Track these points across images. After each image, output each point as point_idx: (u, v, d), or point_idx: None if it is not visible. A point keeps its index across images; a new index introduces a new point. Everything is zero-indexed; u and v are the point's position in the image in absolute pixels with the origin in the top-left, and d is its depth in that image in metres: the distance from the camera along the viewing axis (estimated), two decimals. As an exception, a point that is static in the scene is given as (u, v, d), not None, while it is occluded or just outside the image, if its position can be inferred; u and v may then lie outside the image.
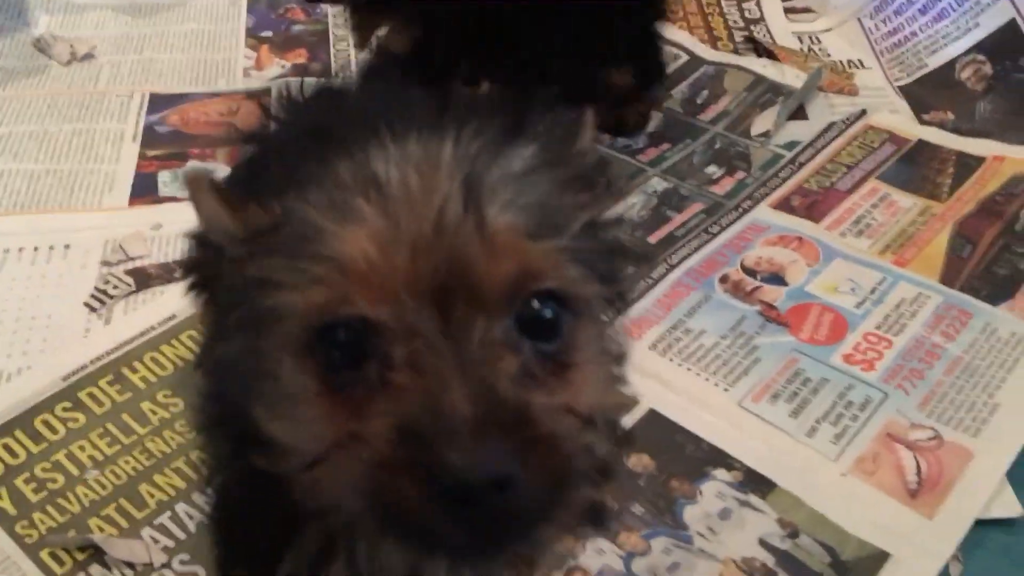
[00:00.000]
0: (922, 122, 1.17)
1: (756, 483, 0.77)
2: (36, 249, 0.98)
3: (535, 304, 0.38)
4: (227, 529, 0.50)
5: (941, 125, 1.15)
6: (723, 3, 1.41)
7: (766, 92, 1.21)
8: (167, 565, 0.73)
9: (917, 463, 0.78)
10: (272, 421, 0.39)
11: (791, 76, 1.23)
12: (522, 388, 0.36)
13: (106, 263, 0.96)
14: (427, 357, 0.36)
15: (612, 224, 0.44)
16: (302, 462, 0.38)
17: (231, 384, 0.42)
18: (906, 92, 1.22)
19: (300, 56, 1.29)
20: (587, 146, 0.45)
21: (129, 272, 0.95)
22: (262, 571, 0.44)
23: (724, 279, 0.95)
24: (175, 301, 0.92)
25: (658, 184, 1.08)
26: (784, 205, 1.04)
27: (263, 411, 0.39)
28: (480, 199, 0.37)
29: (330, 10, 1.38)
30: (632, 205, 1.05)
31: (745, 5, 1.40)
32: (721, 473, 0.78)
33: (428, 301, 0.36)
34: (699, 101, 1.22)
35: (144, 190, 1.06)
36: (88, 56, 1.26)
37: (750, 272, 0.96)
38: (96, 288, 0.94)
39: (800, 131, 1.15)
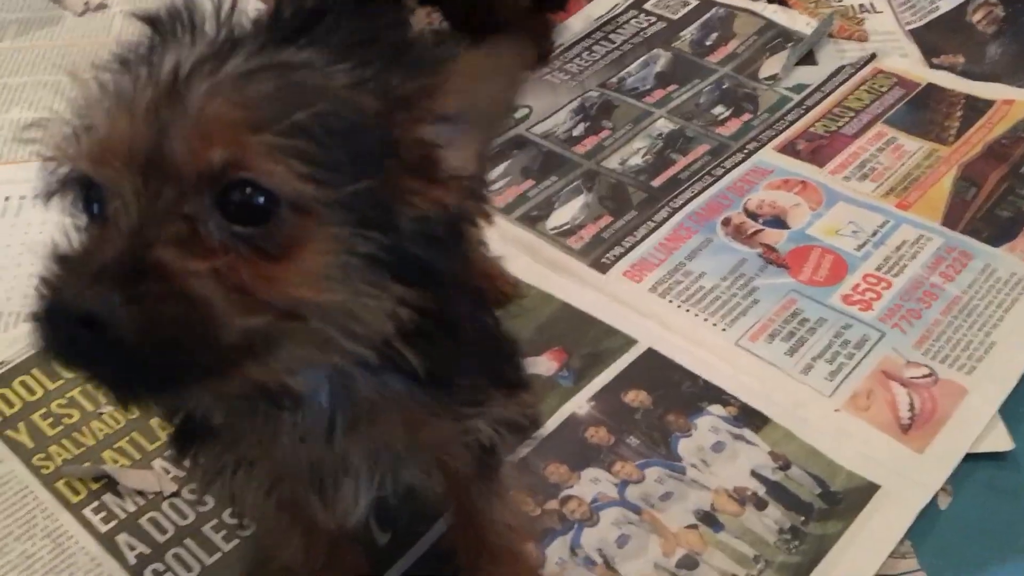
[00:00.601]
0: (932, 66, 1.16)
1: (750, 417, 0.79)
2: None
3: (240, 190, 0.40)
4: None
5: (951, 69, 1.14)
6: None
7: (776, 38, 1.21)
8: (176, 494, 0.75)
9: (911, 400, 0.79)
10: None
11: (801, 23, 1.22)
12: (183, 255, 0.39)
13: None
14: (117, 213, 0.40)
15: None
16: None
17: None
18: (916, 36, 1.21)
19: None
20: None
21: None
22: None
23: (726, 222, 0.96)
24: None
25: (664, 126, 1.08)
26: (789, 149, 1.04)
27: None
28: (202, 80, 0.40)
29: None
30: (637, 150, 1.05)
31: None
32: (716, 408, 0.80)
33: (136, 170, 0.40)
34: (708, 43, 1.22)
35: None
36: (101, 6, 1.28)
37: (752, 215, 0.96)
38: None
39: (809, 75, 1.15)
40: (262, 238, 0.40)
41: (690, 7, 1.28)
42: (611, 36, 1.24)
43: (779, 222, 0.95)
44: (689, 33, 1.23)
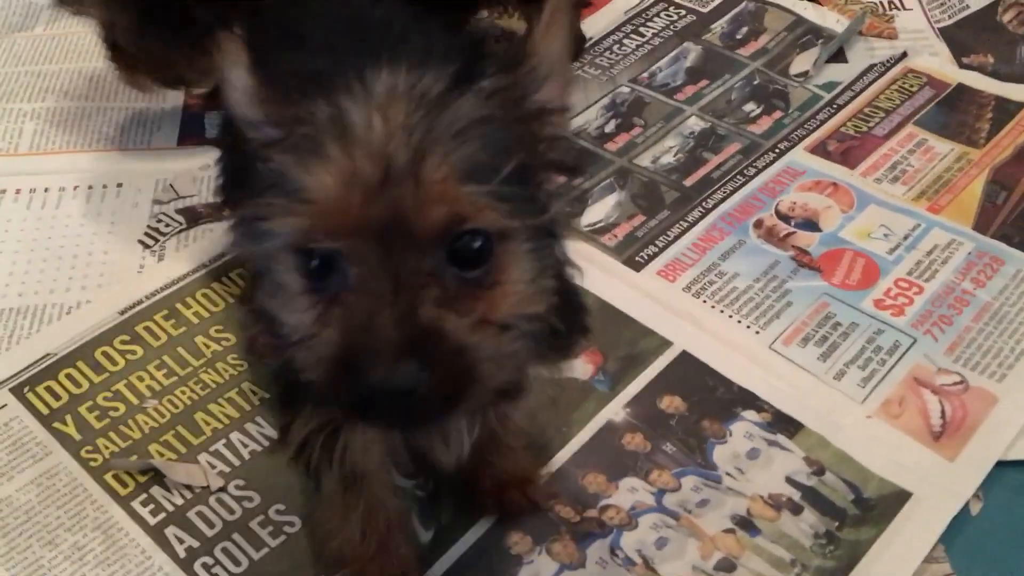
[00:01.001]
0: (962, 65, 1.16)
1: (784, 424, 0.80)
2: (90, 187, 1.01)
3: (463, 240, 0.46)
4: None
5: (981, 69, 1.15)
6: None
7: (806, 34, 1.21)
8: (223, 489, 0.77)
9: (942, 407, 0.81)
10: (274, 309, 0.50)
11: (831, 20, 1.22)
12: (442, 310, 0.45)
13: (157, 202, 1.00)
14: (368, 282, 0.45)
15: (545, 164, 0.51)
16: (291, 343, 0.49)
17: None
18: (946, 34, 1.21)
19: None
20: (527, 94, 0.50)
21: (180, 211, 0.99)
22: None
23: (758, 224, 0.97)
24: (224, 239, 0.96)
25: (695, 124, 1.09)
26: (820, 149, 1.05)
27: (267, 300, 0.50)
28: (422, 153, 0.44)
29: None
30: (668, 149, 1.06)
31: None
32: (750, 414, 0.81)
33: (375, 237, 0.44)
34: (738, 36, 1.22)
35: (191, 131, 1.09)
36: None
37: (784, 217, 0.97)
38: (149, 226, 0.98)
39: (839, 73, 1.15)
40: (484, 275, 0.47)
41: (718, 1, 1.28)
42: (641, 30, 1.24)
43: (811, 224, 0.96)
44: (719, 26, 1.23)
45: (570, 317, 0.57)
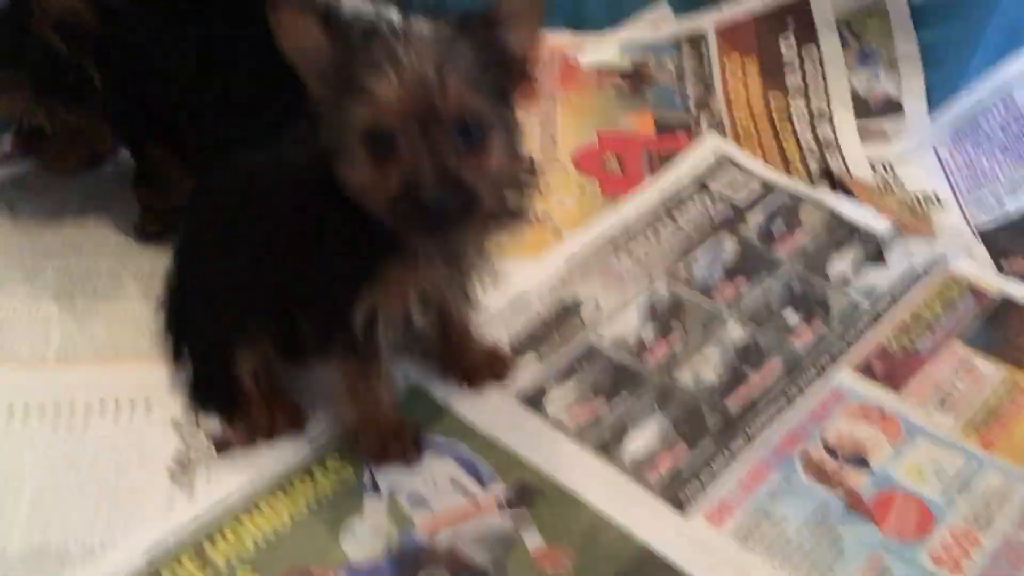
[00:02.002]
0: (1000, 269, 1.15)
1: None
2: (117, 404, 0.99)
3: (468, 123, 0.74)
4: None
5: (1021, 276, 1.13)
6: (795, 122, 1.39)
7: (843, 231, 1.20)
8: None
9: None
10: (345, 171, 0.76)
11: (868, 216, 1.21)
12: (458, 162, 0.73)
13: (183, 423, 0.97)
14: (414, 147, 0.72)
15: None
16: (358, 195, 0.76)
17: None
18: (984, 235, 1.20)
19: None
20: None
21: (208, 435, 0.96)
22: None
23: (805, 457, 0.94)
24: (254, 466, 0.93)
25: (735, 332, 1.07)
26: (864, 368, 1.03)
27: (343, 166, 0.76)
28: (443, 74, 0.71)
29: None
30: (708, 362, 1.04)
31: (818, 125, 1.38)
32: None
33: (417, 120, 0.72)
34: (774, 230, 1.21)
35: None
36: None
37: (831, 451, 0.94)
38: (176, 451, 0.95)
39: (878, 277, 1.14)
40: (479, 145, 0.75)
41: (753, 191, 1.27)
42: (675, 216, 1.23)
43: (860, 459, 0.93)
44: (754, 218, 1.22)
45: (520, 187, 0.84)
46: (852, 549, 0.86)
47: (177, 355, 0.97)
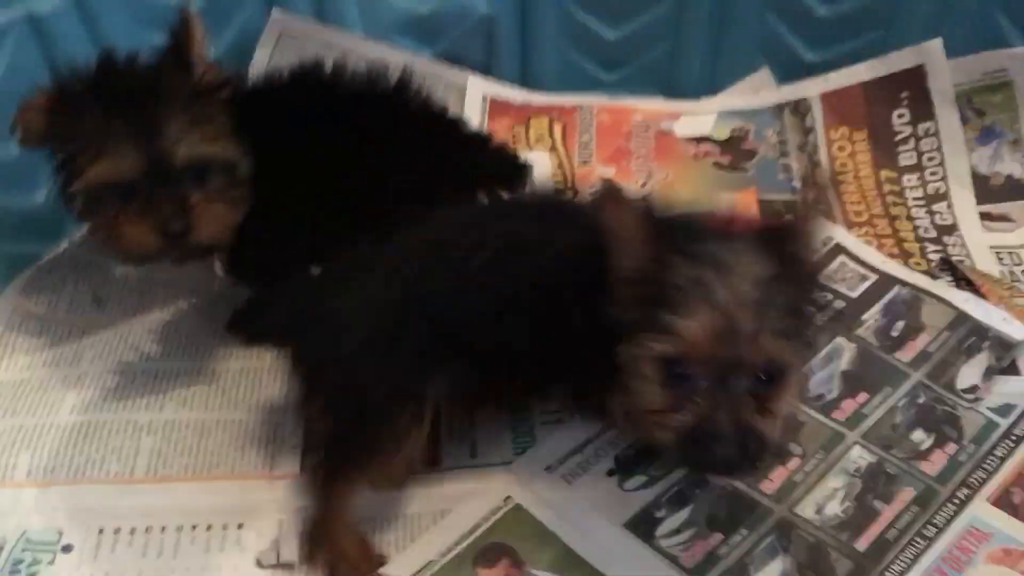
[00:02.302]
0: None
1: None
2: (209, 528, 0.95)
3: (768, 370, 0.74)
4: None
5: None
6: (910, 205, 1.31)
7: (970, 335, 1.11)
8: None
9: None
10: (631, 381, 0.77)
11: (997, 317, 1.12)
12: (752, 413, 0.74)
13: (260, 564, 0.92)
14: (714, 393, 0.73)
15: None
16: (639, 408, 0.79)
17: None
18: None
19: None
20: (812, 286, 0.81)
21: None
22: None
23: (949, 613, 0.86)
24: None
25: (860, 457, 0.99)
26: (1004, 501, 0.94)
27: (629, 374, 0.77)
28: (759, 320, 0.71)
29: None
30: (833, 493, 0.96)
31: (936, 208, 1.30)
32: None
33: (720, 368, 0.73)
34: (894, 333, 1.12)
35: (314, 450, 1.02)
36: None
37: (975, 603, 0.87)
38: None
39: (1013, 390, 1.05)
40: (774, 389, 0.75)
41: (869, 282, 1.19)
42: (784, 315, 1.16)
43: (1011, 617, 0.86)
44: (872, 318, 1.14)
45: None
46: None
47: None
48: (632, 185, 1.35)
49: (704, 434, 0.74)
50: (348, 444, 0.86)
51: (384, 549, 0.93)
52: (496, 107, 1.47)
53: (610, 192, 0.77)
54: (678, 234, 0.76)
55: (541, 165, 1.38)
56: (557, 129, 1.45)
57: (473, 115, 1.44)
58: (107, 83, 0.94)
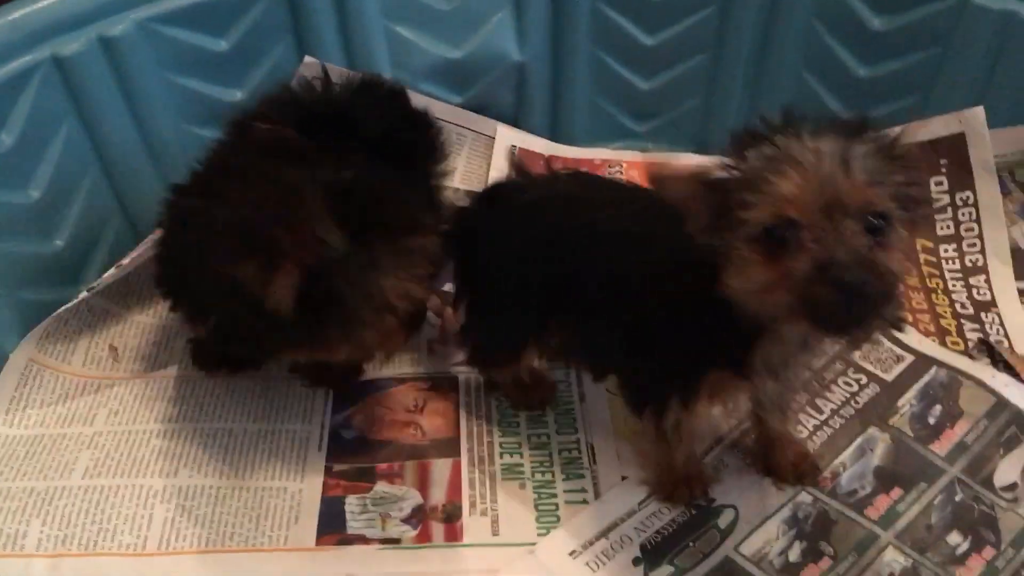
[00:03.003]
0: None
1: None
2: (222, 607, 0.92)
3: (872, 217, 0.71)
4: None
5: None
6: (948, 278, 1.28)
7: (1009, 424, 1.08)
8: None
9: None
10: (733, 279, 0.75)
11: (1037, 405, 1.09)
12: (867, 250, 0.71)
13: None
14: (825, 237, 0.70)
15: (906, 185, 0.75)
16: (750, 298, 0.75)
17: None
18: None
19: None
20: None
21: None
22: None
23: None
24: None
25: (894, 560, 0.96)
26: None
27: (730, 275, 0.76)
28: (849, 167, 0.71)
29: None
30: (866, 600, 0.93)
31: (973, 282, 1.27)
32: None
33: (824, 213, 0.70)
34: (931, 421, 1.09)
35: (330, 524, 0.99)
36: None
37: None
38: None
39: (1053, 488, 1.02)
40: (883, 239, 0.72)
41: (905, 363, 1.16)
42: (818, 402, 1.12)
43: None
44: (908, 404, 1.11)
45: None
46: None
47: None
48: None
49: (826, 270, 0.69)
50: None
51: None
52: (525, 157, 1.44)
53: (657, 169, 0.79)
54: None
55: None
56: (585, 181, 1.42)
57: (500, 165, 1.41)
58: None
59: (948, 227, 1.32)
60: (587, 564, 0.96)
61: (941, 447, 1.07)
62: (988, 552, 0.97)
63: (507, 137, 1.46)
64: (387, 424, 1.10)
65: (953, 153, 1.33)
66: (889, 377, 1.14)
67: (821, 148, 0.71)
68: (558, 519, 1.00)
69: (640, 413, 0.95)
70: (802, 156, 0.71)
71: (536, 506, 1.02)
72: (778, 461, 1.03)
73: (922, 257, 1.30)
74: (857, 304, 0.70)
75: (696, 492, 1.00)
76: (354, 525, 1.00)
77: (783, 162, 0.71)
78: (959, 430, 1.08)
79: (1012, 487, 1.02)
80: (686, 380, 0.88)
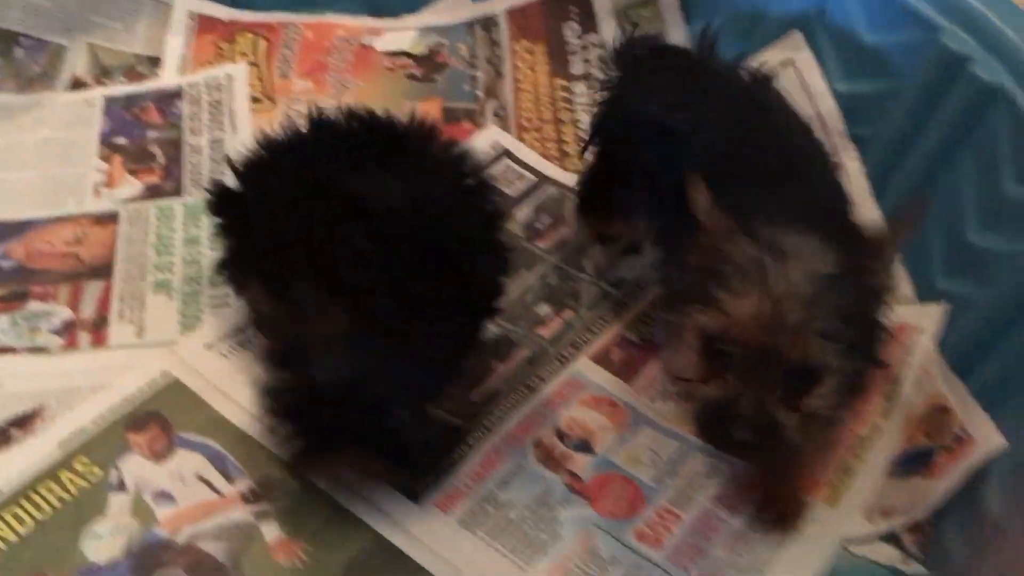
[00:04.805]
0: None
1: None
2: None
3: (804, 369, 0.74)
4: None
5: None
6: (577, 110, 1.45)
7: (603, 223, 1.27)
8: None
9: (689, 641, 0.87)
10: (673, 360, 0.86)
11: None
12: (777, 405, 0.75)
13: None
14: (746, 374, 0.75)
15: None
16: (677, 371, 0.86)
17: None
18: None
19: (154, 175, 1.30)
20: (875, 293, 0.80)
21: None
22: None
23: (537, 444, 1.01)
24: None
25: (488, 330, 1.13)
26: (603, 358, 1.11)
27: (668, 355, 0.90)
28: (805, 315, 0.72)
29: (186, 112, 1.39)
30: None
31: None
32: (509, 659, 0.85)
33: (758, 352, 0.73)
34: (538, 226, 1.27)
35: (-21, 338, 1.08)
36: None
37: (561, 436, 1.02)
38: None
39: (631, 269, 1.21)
40: (807, 386, 0.76)
41: (526, 182, 1.33)
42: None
43: (586, 446, 1.02)
44: (522, 214, 1.28)
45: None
46: (567, 528, 0.94)
47: None
48: (327, 98, 1.43)
49: (725, 412, 0.76)
50: None
51: (36, 424, 1.00)
52: (203, 23, 1.52)
53: (698, 186, 0.80)
54: (753, 213, 0.78)
55: (240, 78, 1.45)
56: (262, 45, 1.52)
57: (178, 32, 1.49)
58: None
59: (580, 67, 1.50)
60: (221, 354, 1.08)
61: (544, 243, 1.25)
62: (567, 314, 1.16)
63: (186, 2, 1.53)
64: (46, 255, 1.19)
65: (581, 1, 1.52)
66: (512, 192, 1.31)
67: (794, 286, 0.72)
68: (200, 321, 1.13)
69: None
70: (771, 285, 0.73)
71: (180, 312, 1.14)
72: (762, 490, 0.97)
73: (559, 95, 1.48)
74: (734, 446, 0.80)
75: None
76: (2, 339, 1.09)
77: (752, 281, 0.73)
78: (563, 232, 1.26)
79: (598, 268, 1.21)
80: None
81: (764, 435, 0.75)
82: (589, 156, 1.17)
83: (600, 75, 1.42)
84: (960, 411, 0.96)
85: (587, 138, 1.16)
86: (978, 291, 1.00)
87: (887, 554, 0.93)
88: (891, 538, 0.94)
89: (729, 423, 0.76)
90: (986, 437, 0.93)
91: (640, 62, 1.07)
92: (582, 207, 1.21)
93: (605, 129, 1.12)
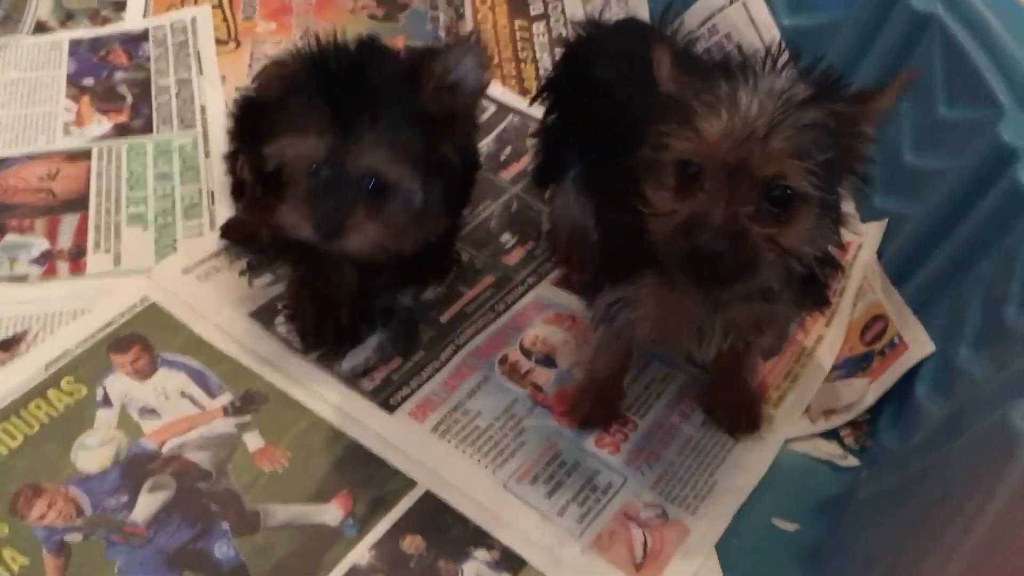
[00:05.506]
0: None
1: (509, 561, 0.91)
2: None
3: (778, 189, 0.72)
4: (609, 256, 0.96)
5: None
6: (536, 49, 1.50)
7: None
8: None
9: (644, 539, 0.93)
10: (648, 191, 0.78)
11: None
12: (751, 222, 0.73)
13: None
14: (716, 191, 0.73)
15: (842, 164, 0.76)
16: (653, 213, 0.77)
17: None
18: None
19: (122, 115, 1.33)
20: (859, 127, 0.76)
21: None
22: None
23: (503, 360, 1.07)
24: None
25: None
26: (564, 281, 1.17)
27: (647, 185, 0.78)
28: (772, 135, 0.71)
29: (152, 53, 1.42)
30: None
31: (558, 52, 1.50)
32: (481, 553, 0.92)
33: (729, 168, 0.72)
34: (502, 158, 1.32)
35: (-41, 268, 1.11)
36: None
37: (526, 352, 1.08)
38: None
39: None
40: (783, 214, 0.74)
41: (489, 112, 1.38)
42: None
43: (549, 360, 1.08)
44: (486, 145, 1.33)
45: (823, 272, 0.84)
46: (532, 436, 1.01)
47: None
48: (290, 39, 1.46)
49: (693, 226, 0.73)
50: None
51: (20, 348, 1.04)
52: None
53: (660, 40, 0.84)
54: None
55: (205, 20, 1.48)
56: (228, -12, 1.55)
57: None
58: (344, 67, 0.92)
59: (539, 8, 1.54)
60: (197, 278, 1.13)
61: (508, 174, 1.30)
62: (529, 244, 1.21)
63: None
64: (21, 191, 1.22)
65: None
66: (480, 121, 1.35)
67: (763, 103, 0.72)
68: (175, 250, 1.17)
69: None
70: (740, 105, 0.72)
71: (156, 242, 1.18)
72: (724, 403, 1.03)
73: (517, 34, 1.52)
74: (704, 267, 0.74)
75: (597, 420, 1.02)
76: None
77: (719, 103, 0.73)
78: (524, 162, 1.31)
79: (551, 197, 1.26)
80: (622, 271, 0.88)
81: (733, 245, 0.72)
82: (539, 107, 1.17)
83: (557, 16, 1.48)
84: (896, 319, 1.04)
85: (538, 91, 1.17)
86: (912, 207, 1.07)
87: (827, 450, 1.01)
88: (831, 434, 1.01)
89: (698, 234, 0.72)
90: (919, 343, 1.00)
91: (599, 26, 1.10)
92: (537, 178, 1.20)
93: (556, 85, 1.14)
